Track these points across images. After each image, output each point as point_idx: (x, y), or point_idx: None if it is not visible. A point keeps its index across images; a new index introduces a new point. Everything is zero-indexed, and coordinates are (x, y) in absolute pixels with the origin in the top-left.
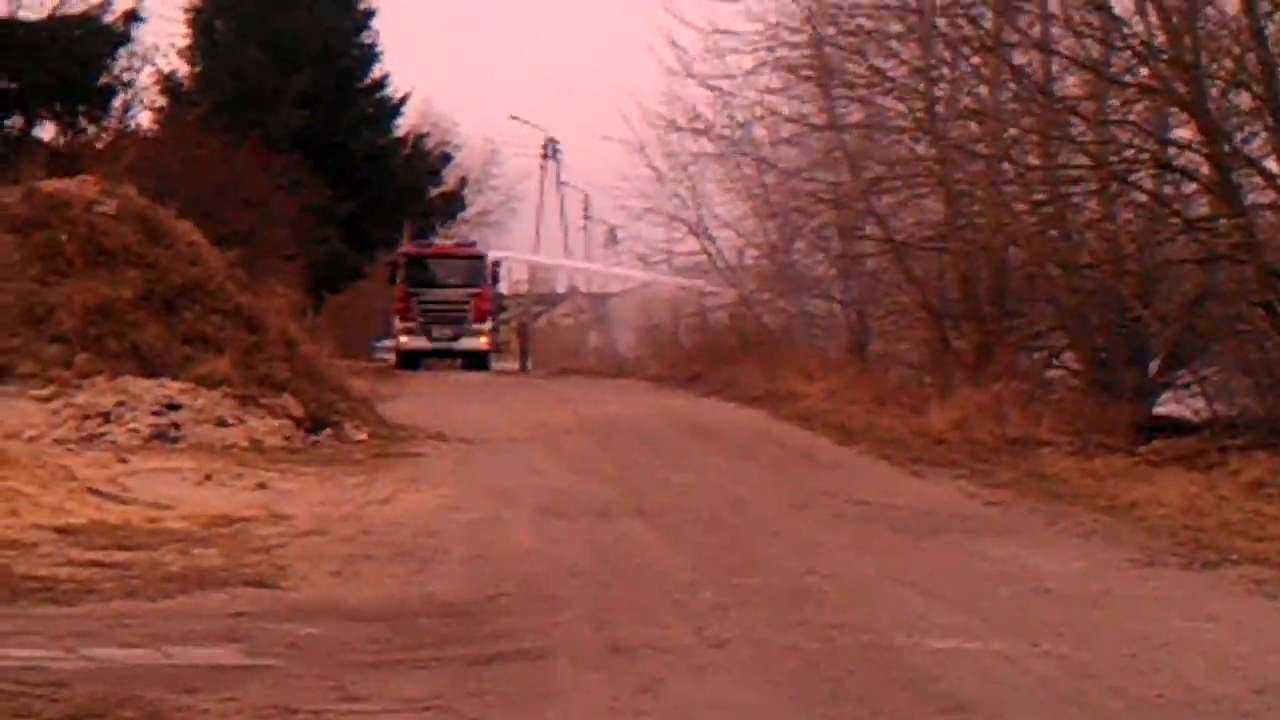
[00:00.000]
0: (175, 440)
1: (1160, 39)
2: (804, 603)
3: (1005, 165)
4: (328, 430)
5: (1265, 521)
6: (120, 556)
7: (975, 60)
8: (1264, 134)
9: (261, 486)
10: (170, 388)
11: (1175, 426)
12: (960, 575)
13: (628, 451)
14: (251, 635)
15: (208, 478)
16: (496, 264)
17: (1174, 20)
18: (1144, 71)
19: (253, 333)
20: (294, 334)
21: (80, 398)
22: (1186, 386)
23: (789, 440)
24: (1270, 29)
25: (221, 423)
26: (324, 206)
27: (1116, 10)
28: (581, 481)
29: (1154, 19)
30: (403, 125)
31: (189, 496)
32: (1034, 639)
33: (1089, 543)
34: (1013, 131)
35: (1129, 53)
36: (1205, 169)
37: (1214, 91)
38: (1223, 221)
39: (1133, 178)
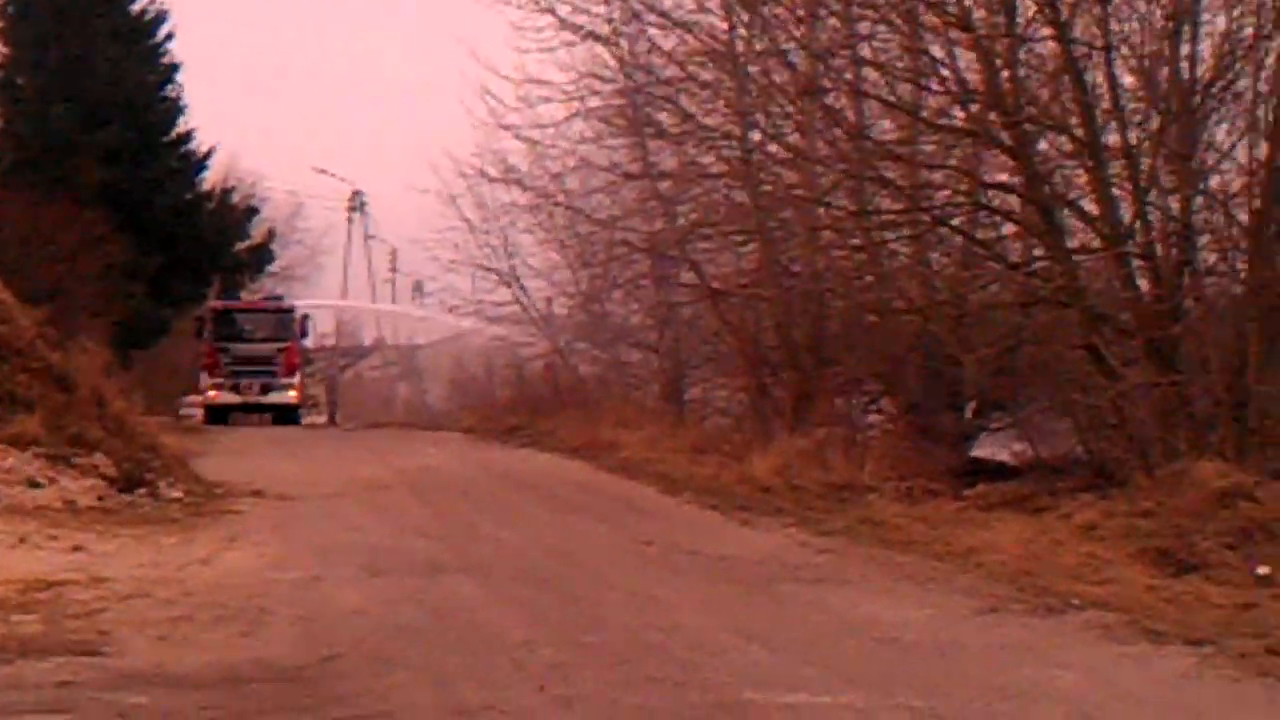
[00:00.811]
0: None
1: (976, 80)
2: (647, 659)
3: (821, 211)
4: (142, 489)
5: (1101, 565)
6: None
7: (789, 106)
8: (1085, 176)
9: (78, 549)
10: None
11: (995, 470)
12: (802, 626)
13: (449, 506)
14: (78, 705)
15: (21, 540)
16: (304, 318)
17: (993, 62)
18: (960, 114)
19: (63, 391)
20: (105, 392)
21: None
22: (1001, 430)
23: (613, 491)
24: (1088, 71)
25: (33, 483)
26: (131, 262)
27: (933, 52)
28: (405, 538)
29: (963, 60)
30: (209, 179)
31: (3, 561)
32: (886, 691)
33: (929, 590)
34: (825, 180)
35: (945, 96)
36: (1026, 212)
37: (1032, 133)
38: (1045, 265)
39: (952, 221)
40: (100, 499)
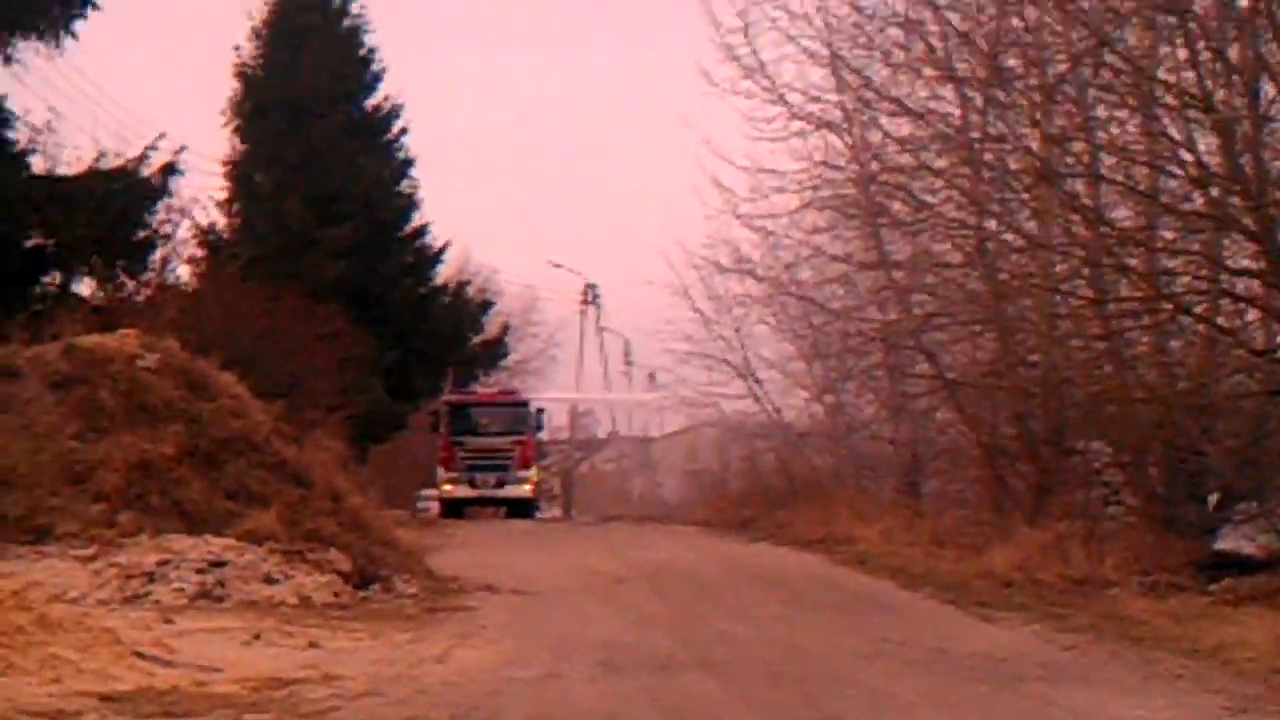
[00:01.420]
0: (221, 599)
1: (1215, 163)
2: None
3: (1058, 299)
4: (376, 585)
5: None
6: None
7: (1025, 193)
8: None
9: (312, 645)
10: (215, 544)
11: (1241, 563)
12: None
13: (684, 600)
14: None
15: (256, 637)
16: (539, 411)
17: (1234, 144)
18: (1199, 199)
19: (298, 486)
20: (340, 487)
21: (122, 557)
22: (1246, 521)
23: (849, 585)
24: None
25: (268, 579)
26: (367, 357)
27: (1171, 134)
28: (640, 633)
29: (1203, 144)
30: (443, 273)
31: (237, 658)
32: None
33: (1176, 689)
34: (1062, 267)
35: (1184, 180)
36: (1270, 297)
37: (1276, 217)
38: None
39: (1194, 308)
40: (335, 595)
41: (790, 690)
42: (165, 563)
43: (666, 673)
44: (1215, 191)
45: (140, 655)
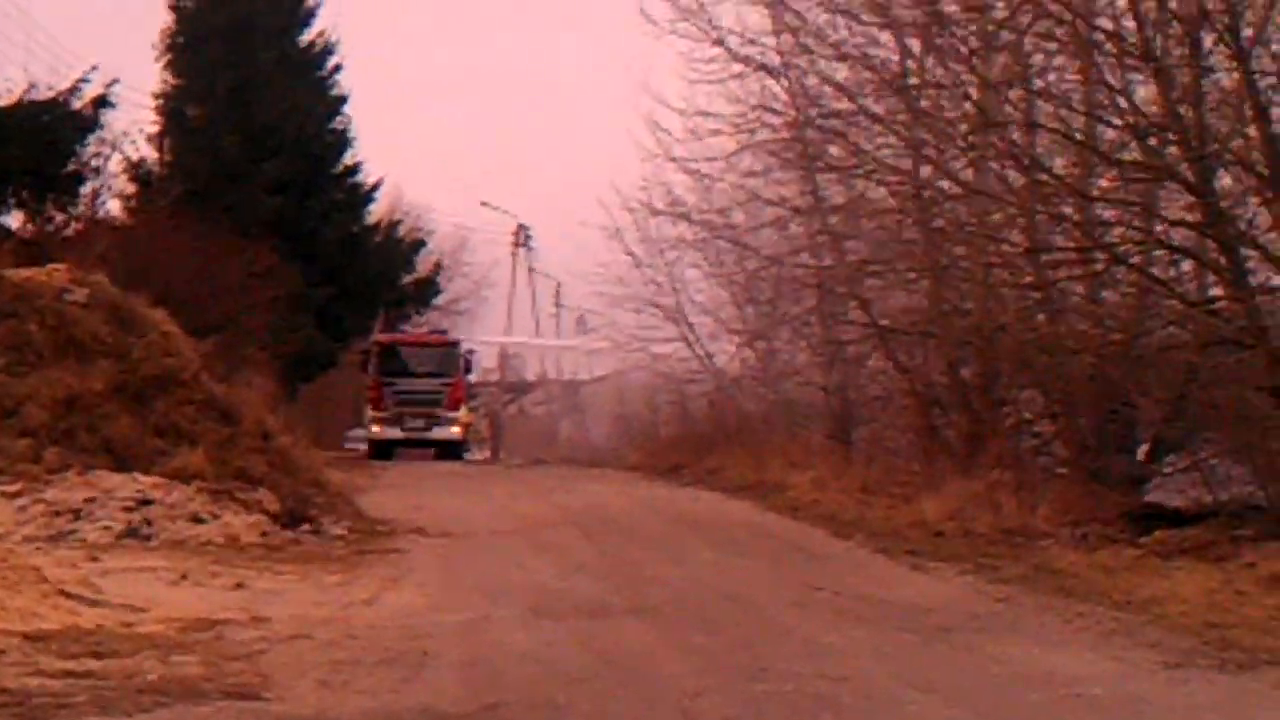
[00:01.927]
0: (148, 538)
1: (1155, 113)
2: (820, 712)
3: (993, 248)
4: (305, 526)
5: None
6: (94, 665)
7: (961, 141)
8: (1265, 214)
9: (239, 586)
10: (142, 482)
11: (1171, 516)
12: (982, 679)
13: (615, 545)
14: None
15: (183, 577)
16: (470, 353)
17: (1173, 96)
18: (1136, 148)
19: (228, 425)
20: (270, 426)
21: (49, 493)
22: (1175, 473)
23: (781, 532)
24: (1274, 106)
25: (196, 519)
26: (298, 294)
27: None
28: (571, 578)
29: (1141, 93)
30: (375, 211)
31: (164, 597)
32: None
33: (1111, 643)
34: (998, 216)
35: (1123, 130)
36: (1206, 250)
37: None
38: (1227, 304)
39: (1130, 259)
40: (263, 535)
41: (723, 637)
42: (92, 500)
43: (598, 618)
44: (1153, 141)
45: (66, 594)
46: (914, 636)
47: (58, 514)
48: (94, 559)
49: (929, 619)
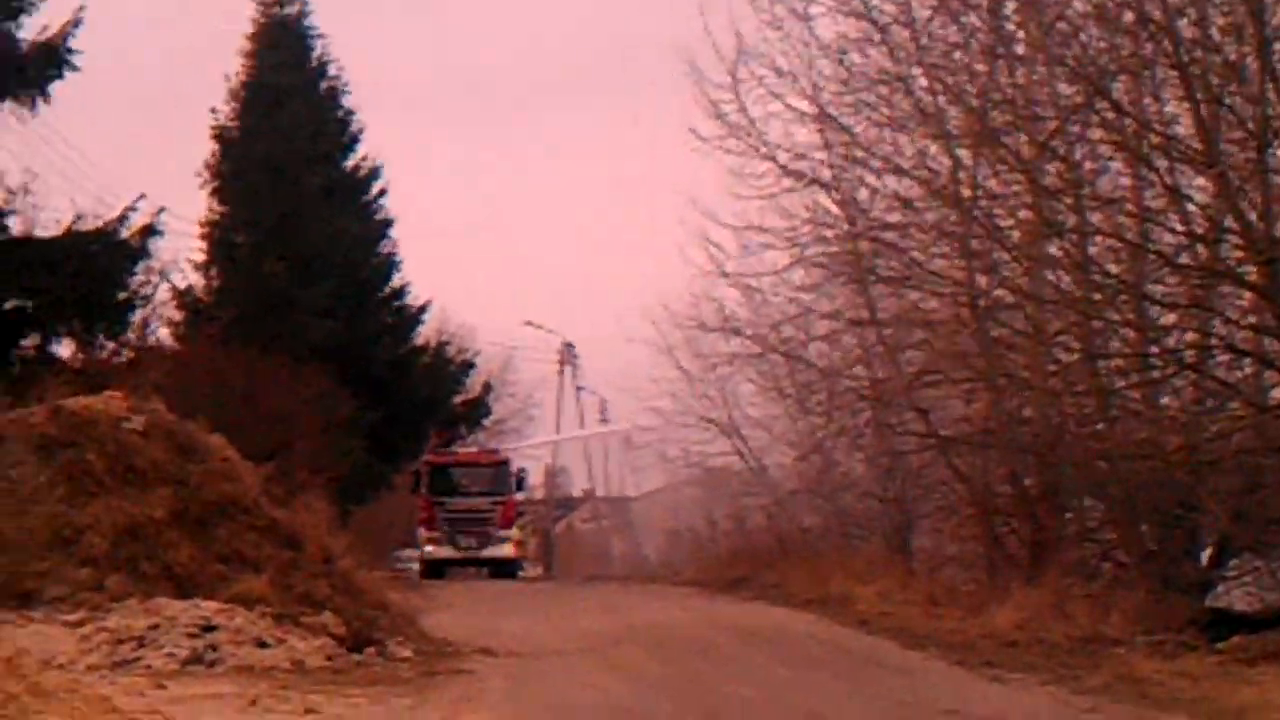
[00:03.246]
0: (213, 664)
1: (1228, 220)
2: None
3: (1051, 354)
4: (371, 648)
5: None
6: None
7: (1015, 249)
8: None
9: (309, 711)
10: (206, 608)
11: (1239, 620)
12: None
13: (686, 663)
14: None
15: (252, 703)
16: (520, 470)
17: (1236, 200)
18: (1202, 252)
19: (289, 549)
20: (331, 549)
21: (111, 621)
22: (1241, 577)
23: (852, 646)
24: None
25: (261, 644)
26: (350, 417)
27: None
28: (644, 696)
29: (1200, 197)
30: (423, 334)
31: None
32: None
33: None
34: (1054, 323)
35: (1183, 233)
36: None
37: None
38: None
39: (1190, 362)
40: (329, 659)
41: None
42: (155, 627)
43: None
44: (1210, 247)
45: None
46: None
47: (121, 642)
48: (160, 686)
49: None
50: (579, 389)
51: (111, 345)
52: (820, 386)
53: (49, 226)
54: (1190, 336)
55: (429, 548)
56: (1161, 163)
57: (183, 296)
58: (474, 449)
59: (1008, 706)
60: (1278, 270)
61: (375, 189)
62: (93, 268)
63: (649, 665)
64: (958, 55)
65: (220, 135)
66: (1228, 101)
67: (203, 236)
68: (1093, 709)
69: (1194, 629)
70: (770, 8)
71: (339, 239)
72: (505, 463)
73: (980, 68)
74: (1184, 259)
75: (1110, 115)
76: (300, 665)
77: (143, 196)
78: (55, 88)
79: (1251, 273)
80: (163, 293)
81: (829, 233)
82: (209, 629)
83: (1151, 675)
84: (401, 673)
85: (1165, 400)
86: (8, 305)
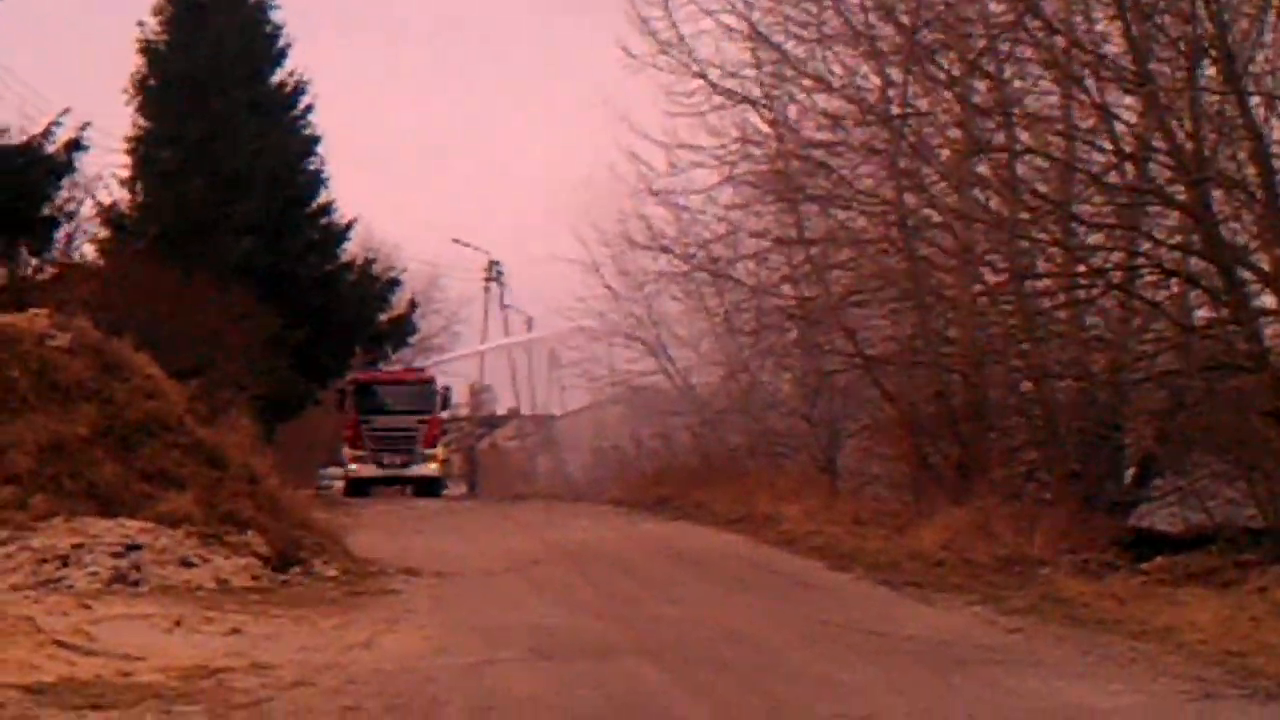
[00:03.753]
0: (138, 583)
1: (1157, 139)
2: None
3: (978, 274)
4: (296, 568)
5: None
6: (96, 717)
7: (944, 168)
8: (1259, 239)
9: (235, 631)
10: (130, 527)
11: (1164, 541)
12: (1005, 714)
13: (611, 582)
14: None
15: (177, 623)
16: (446, 389)
17: (1172, 122)
18: (1130, 172)
19: (214, 467)
20: (256, 468)
21: (36, 540)
22: (1164, 497)
23: (778, 566)
24: (1271, 130)
25: (186, 563)
26: (275, 336)
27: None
28: (571, 617)
29: (1124, 122)
30: (349, 251)
31: (160, 645)
32: None
33: (1133, 674)
34: (981, 243)
35: (1113, 154)
36: (1200, 273)
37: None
38: (1230, 328)
39: (1118, 282)
40: (254, 578)
41: (733, 676)
42: (80, 546)
43: (604, 659)
44: (1137, 167)
45: (60, 644)
46: (929, 671)
47: (45, 561)
48: (85, 607)
49: (943, 652)
50: (505, 307)
51: (36, 261)
52: (748, 305)
53: None
54: (1117, 256)
55: (353, 466)
56: (1091, 81)
57: (108, 213)
58: (399, 367)
59: (932, 627)
60: (1206, 190)
61: (302, 105)
62: (16, 182)
63: (575, 585)
64: None
65: (146, 49)
66: (1158, 20)
67: (128, 152)
68: (1018, 629)
69: (1117, 549)
70: None
71: (265, 155)
72: (430, 381)
73: None
74: (1112, 178)
75: (1040, 33)
76: (225, 585)
77: (68, 110)
78: None
79: (1180, 192)
80: (88, 209)
81: (758, 151)
82: (133, 548)
83: (1077, 596)
84: (327, 592)
85: (1091, 320)
86: None
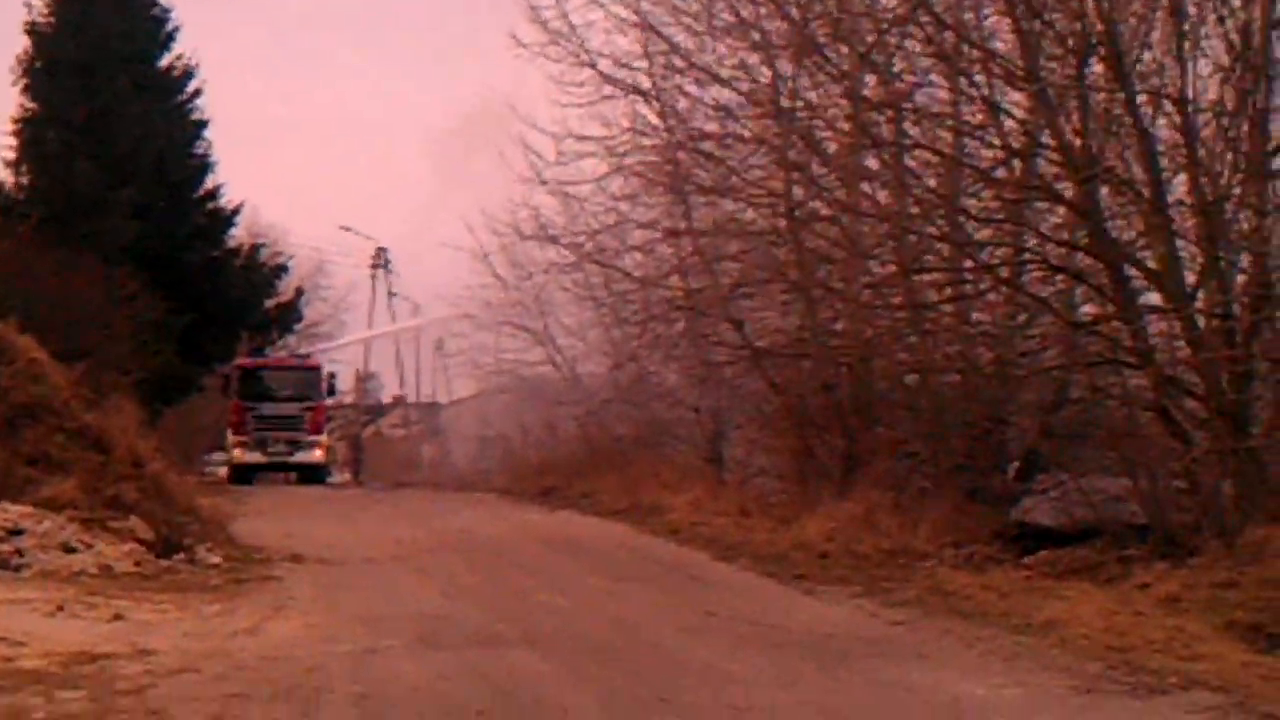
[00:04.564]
0: (19, 568)
1: (1045, 136)
2: None
3: (866, 268)
4: (180, 554)
5: (1190, 640)
6: None
7: (833, 161)
8: (1146, 236)
9: (118, 617)
10: (12, 512)
11: (1045, 534)
12: (889, 707)
13: (497, 571)
14: None
15: (59, 608)
16: (331, 376)
17: (1061, 119)
18: (1018, 167)
19: (99, 453)
20: (141, 453)
21: None
22: (1042, 492)
23: (663, 556)
24: (1156, 129)
25: (68, 548)
26: (160, 320)
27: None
28: (456, 606)
29: (1013, 117)
30: (235, 236)
31: (41, 630)
32: None
33: (1016, 667)
34: (869, 236)
35: (1001, 150)
36: (1086, 269)
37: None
38: (1115, 324)
39: (1001, 276)
40: (138, 564)
41: (619, 667)
42: None
43: (489, 648)
44: (1038, 163)
45: None
46: (814, 663)
47: None
48: None
49: (828, 644)
50: (392, 294)
51: None
52: (635, 296)
53: None
54: (1004, 252)
55: (237, 451)
56: (981, 77)
57: None
58: (285, 354)
59: (816, 619)
60: (1094, 188)
61: (190, 89)
62: None
63: (460, 573)
64: None
65: (32, 31)
66: (1048, 17)
67: (14, 134)
68: (901, 622)
69: (1000, 542)
70: None
71: (151, 139)
72: (316, 368)
73: None
74: (1001, 174)
75: (931, 28)
76: (108, 570)
77: None
78: None
79: (1068, 189)
80: None
81: (648, 142)
82: (15, 533)
83: (961, 588)
84: (210, 579)
85: (978, 315)
86: None
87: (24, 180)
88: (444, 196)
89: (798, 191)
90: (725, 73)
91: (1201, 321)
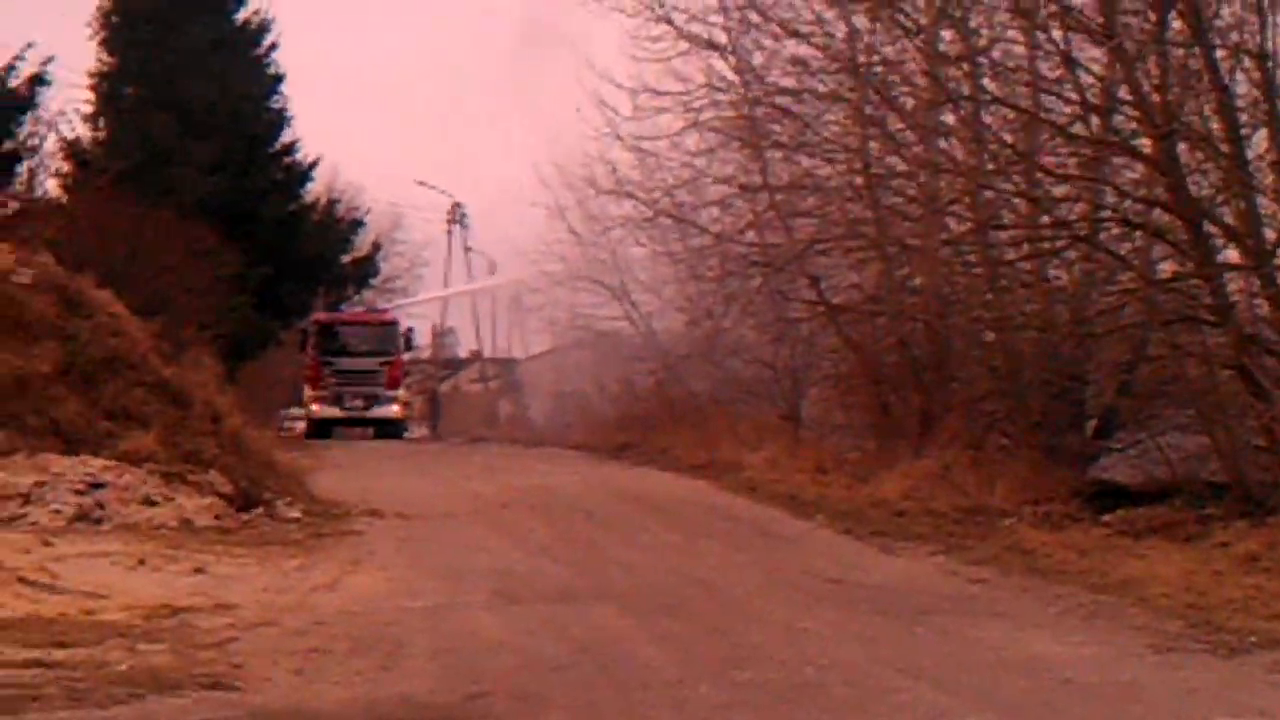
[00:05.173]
0: (100, 521)
1: (1123, 91)
2: (808, 701)
3: (943, 224)
4: (259, 508)
5: (1270, 598)
6: (61, 655)
7: (910, 117)
8: (1225, 190)
9: (198, 571)
10: (93, 465)
11: (1124, 493)
12: (968, 664)
13: (575, 527)
14: None
15: (141, 562)
16: (409, 330)
17: (1139, 75)
18: (1096, 123)
19: (178, 406)
20: (219, 407)
21: None
22: (1123, 450)
23: (741, 513)
24: (1235, 84)
25: (149, 501)
26: (237, 275)
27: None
28: (534, 561)
29: (1091, 73)
30: (312, 191)
31: (124, 584)
32: None
33: (1095, 626)
34: (946, 193)
35: (1079, 104)
36: (1167, 226)
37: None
38: (1193, 282)
39: (1080, 234)
40: (217, 518)
41: (697, 623)
42: (42, 484)
43: (566, 603)
44: (1105, 119)
45: (24, 580)
46: (894, 620)
47: (7, 498)
48: (47, 544)
49: (907, 602)
50: (468, 249)
51: None
52: (712, 252)
53: None
54: (1082, 208)
55: (315, 407)
56: (1058, 32)
57: (71, 148)
58: (362, 309)
59: (895, 577)
60: (1172, 143)
61: (266, 43)
62: None
63: (537, 529)
64: None
65: None
66: None
67: (92, 88)
68: (981, 580)
69: (1078, 500)
70: None
71: (228, 93)
72: (393, 322)
73: None
74: (1078, 130)
75: None
76: (188, 524)
77: (31, 45)
78: None
79: (1145, 145)
80: (51, 144)
81: (724, 97)
82: (97, 486)
83: (1039, 547)
84: (290, 533)
85: (1055, 272)
86: None
87: (101, 135)
88: (513, 132)
89: (874, 147)
90: (802, 27)
91: None
